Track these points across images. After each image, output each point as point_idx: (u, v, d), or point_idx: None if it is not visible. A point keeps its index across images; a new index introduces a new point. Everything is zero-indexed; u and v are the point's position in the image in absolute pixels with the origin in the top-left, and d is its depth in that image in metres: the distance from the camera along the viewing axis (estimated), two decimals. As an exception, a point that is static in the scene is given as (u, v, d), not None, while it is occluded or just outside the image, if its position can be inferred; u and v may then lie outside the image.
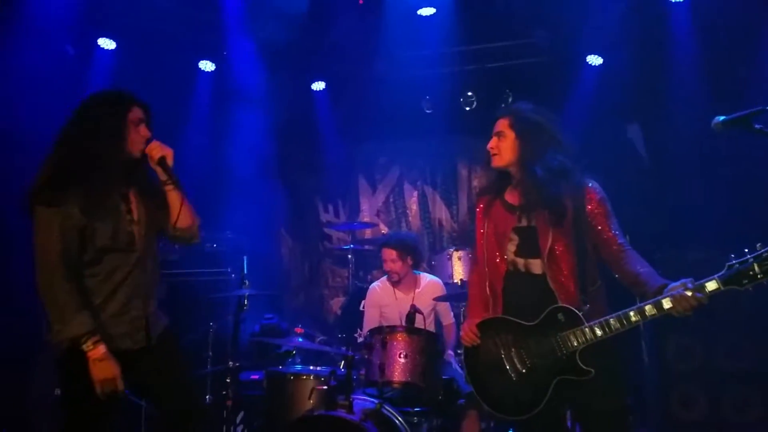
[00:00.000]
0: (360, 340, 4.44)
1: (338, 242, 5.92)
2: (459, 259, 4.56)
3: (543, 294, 2.16)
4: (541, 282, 2.18)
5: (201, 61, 5.21)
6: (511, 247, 2.24)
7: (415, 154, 5.91)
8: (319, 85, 5.55)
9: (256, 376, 3.95)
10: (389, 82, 5.25)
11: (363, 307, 4.45)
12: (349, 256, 5.10)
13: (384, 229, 5.77)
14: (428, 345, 3.09)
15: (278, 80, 5.20)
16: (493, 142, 2.33)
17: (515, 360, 2.16)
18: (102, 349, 2.06)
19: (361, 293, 4.67)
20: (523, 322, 2.16)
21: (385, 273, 3.88)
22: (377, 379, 3.01)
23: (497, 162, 2.32)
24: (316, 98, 5.62)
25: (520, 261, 2.22)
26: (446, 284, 4.07)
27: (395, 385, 3.03)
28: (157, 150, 2.23)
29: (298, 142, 5.82)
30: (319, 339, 4.52)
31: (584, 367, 2.06)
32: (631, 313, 2.02)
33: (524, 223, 2.24)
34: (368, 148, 5.98)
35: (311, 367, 3.50)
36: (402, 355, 3.03)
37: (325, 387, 3.11)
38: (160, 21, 4.67)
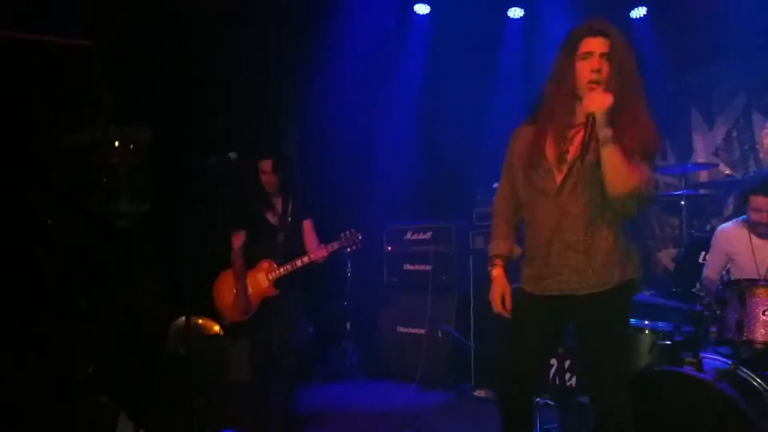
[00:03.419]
0: (702, 294, 3.97)
1: (666, 187, 5.31)
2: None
3: None
4: None
5: (510, 9, 5.18)
6: None
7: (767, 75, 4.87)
8: (639, 12, 5.00)
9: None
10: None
11: (703, 260, 3.94)
12: (681, 203, 4.54)
13: (726, 170, 4.95)
14: (803, 303, 2.56)
15: (592, 12, 4.84)
16: None
17: None
18: None
19: (700, 244, 4.14)
20: None
21: (727, 217, 3.30)
22: (734, 338, 2.64)
23: None
24: (637, 26, 5.08)
25: None
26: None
27: (757, 345, 2.61)
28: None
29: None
30: (648, 293, 4.18)
31: None
32: None
33: None
34: (702, 75, 5.15)
35: (646, 321, 3.26)
36: (766, 313, 2.58)
37: (669, 342, 2.86)
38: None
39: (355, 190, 5.26)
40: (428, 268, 4.90)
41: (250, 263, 3.62)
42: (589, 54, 2.10)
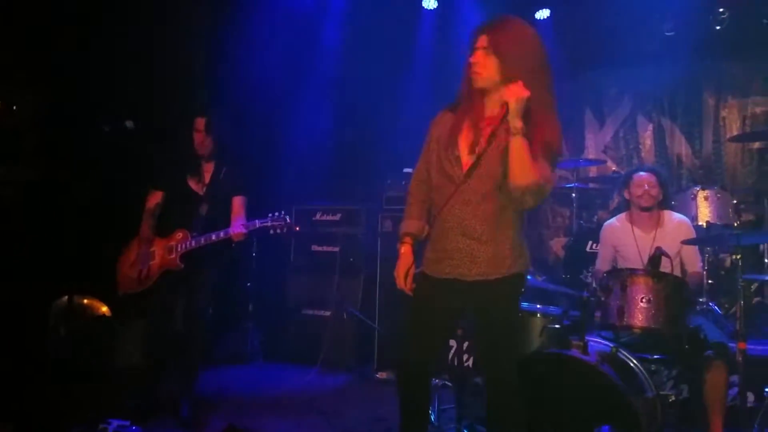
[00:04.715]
0: (589, 281, 4.28)
1: (560, 180, 5.67)
2: (705, 199, 4.06)
3: None
4: None
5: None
6: None
7: (652, 82, 5.32)
8: (543, 13, 5.24)
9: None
10: (623, 2, 4.75)
11: (591, 248, 4.26)
12: (573, 195, 4.87)
13: (612, 167, 5.37)
14: (674, 291, 2.84)
15: (500, 11, 5.02)
16: None
17: None
18: None
19: (588, 234, 4.47)
20: None
21: (612, 210, 3.59)
22: (615, 322, 2.88)
23: None
24: (540, 27, 5.32)
25: None
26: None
27: (635, 330, 2.86)
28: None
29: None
30: (540, 279, 4.46)
31: None
32: None
33: None
34: (596, 78, 5.55)
35: (538, 306, 3.48)
36: (644, 300, 2.83)
37: (557, 326, 3.08)
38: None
39: (264, 169, 5.14)
40: (336, 249, 4.91)
41: (165, 231, 3.37)
42: (474, 49, 2.21)
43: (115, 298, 3.53)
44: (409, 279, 2.36)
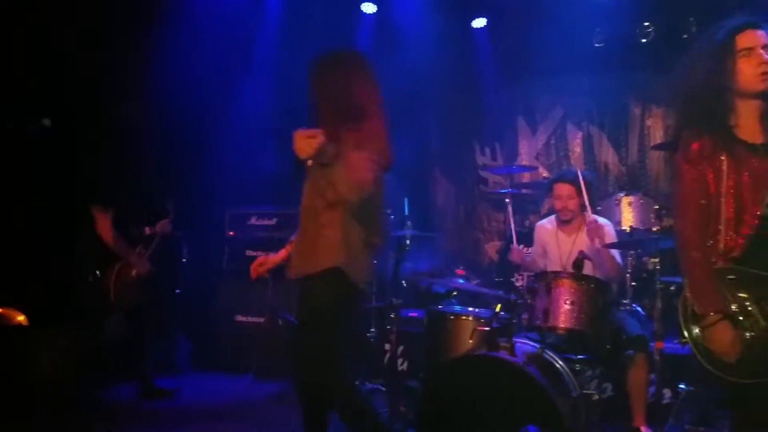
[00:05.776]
0: (519, 284, 4.38)
1: (495, 186, 5.80)
2: (629, 204, 4.23)
3: None
4: None
5: (363, 3, 5.26)
6: (762, 201, 1.88)
7: (581, 92, 5.52)
8: (480, 22, 5.35)
9: (415, 314, 4.09)
10: (555, 14, 4.90)
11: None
12: (506, 200, 4.97)
13: (544, 173, 5.53)
14: (597, 293, 2.95)
15: (438, 19, 5.10)
16: (764, 57, 1.90)
17: (758, 316, 1.87)
18: None
19: (519, 238, 4.56)
20: (763, 272, 1.87)
21: (543, 214, 3.71)
22: (541, 324, 2.95)
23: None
24: (477, 36, 5.44)
25: None
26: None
27: (560, 331, 2.95)
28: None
29: (455, 81, 5.71)
30: (475, 282, 4.53)
31: None
32: None
33: None
34: (529, 86, 5.70)
35: (470, 309, 3.53)
36: (567, 302, 2.92)
37: (487, 328, 3.12)
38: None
39: (197, 173, 5.00)
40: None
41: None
42: None
43: (31, 306, 3.36)
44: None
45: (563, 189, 3.46)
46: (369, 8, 5.31)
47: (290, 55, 5.33)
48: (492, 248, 5.78)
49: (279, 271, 4.76)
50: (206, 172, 5.11)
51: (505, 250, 4.74)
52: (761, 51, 1.90)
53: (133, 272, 3.76)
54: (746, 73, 1.91)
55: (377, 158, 2.22)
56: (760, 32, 1.92)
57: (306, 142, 2.04)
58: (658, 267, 3.23)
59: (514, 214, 5.08)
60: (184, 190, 4.66)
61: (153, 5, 4.58)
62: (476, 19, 5.35)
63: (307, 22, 5.19)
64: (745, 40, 1.91)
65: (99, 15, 4.34)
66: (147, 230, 3.67)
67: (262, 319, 4.73)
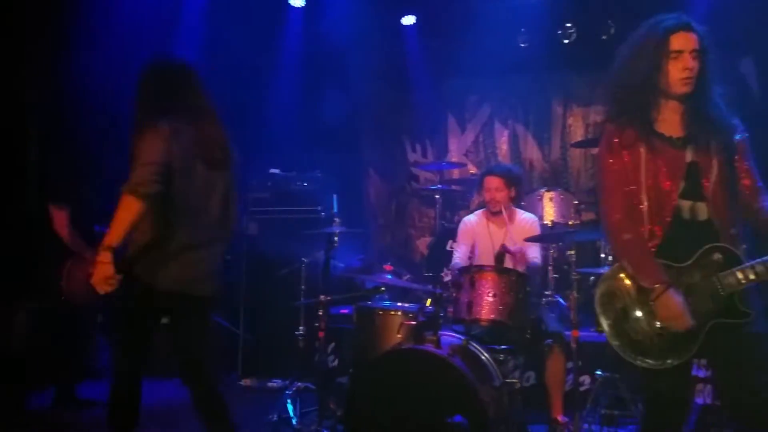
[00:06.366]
0: (447, 278, 4.46)
1: (425, 182, 5.88)
2: (550, 200, 4.41)
3: (706, 242, 1.96)
4: (706, 230, 1.98)
5: (291, -2, 5.20)
6: (677, 190, 1.99)
7: (508, 91, 5.68)
8: (409, 20, 5.40)
9: (346, 311, 4.09)
10: (483, 14, 5.02)
11: (450, 247, 4.44)
12: (437, 197, 5.06)
13: (472, 170, 5.65)
14: (517, 285, 3.05)
15: (368, 15, 5.11)
16: (690, 62, 1.97)
17: None
18: None
19: (448, 234, 4.66)
20: (673, 263, 1.97)
21: (473, 210, 3.80)
22: (465, 317, 3.02)
23: (690, 88, 1.99)
24: (406, 33, 5.49)
25: (686, 205, 2.00)
26: (536, 226, 3.95)
27: (483, 323, 3.03)
28: None
29: (386, 79, 5.74)
30: (405, 277, 4.58)
31: (743, 309, 1.91)
32: None
33: (688, 159, 2.01)
34: (458, 85, 5.81)
35: (399, 304, 3.57)
36: (491, 294, 3.00)
37: (414, 322, 3.16)
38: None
39: (121, 171, 4.79)
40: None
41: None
42: None
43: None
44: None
45: (492, 182, 3.57)
46: (297, 1, 5.25)
47: (216, 49, 5.20)
48: (423, 244, 5.85)
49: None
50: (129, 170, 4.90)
51: (434, 246, 4.82)
52: (688, 55, 1.98)
53: (85, 270, 3.55)
54: (672, 74, 2.00)
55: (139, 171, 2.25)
56: (692, 35, 2.00)
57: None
58: (575, 259, 3.38)
59: (445, 210, 5.19)
60: (109, 187, 4.46)
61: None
62: (406, 16, 5.39)
63: (235, 15, 5.08)
64: (677, 42, 1.99)
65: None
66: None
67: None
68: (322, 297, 3.48)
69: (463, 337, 3.09)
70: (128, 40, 4.62)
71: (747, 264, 1.92)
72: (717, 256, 1.95)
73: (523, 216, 3.68)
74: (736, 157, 2.03)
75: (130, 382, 2.40)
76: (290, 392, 3.54)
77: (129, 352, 2.40)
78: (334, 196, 4.02)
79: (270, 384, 4.38)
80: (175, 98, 2.40)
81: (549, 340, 3.24)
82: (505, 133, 5.73)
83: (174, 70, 2.47)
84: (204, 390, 2.42)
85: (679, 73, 1.98)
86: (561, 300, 4.03)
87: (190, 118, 2.39)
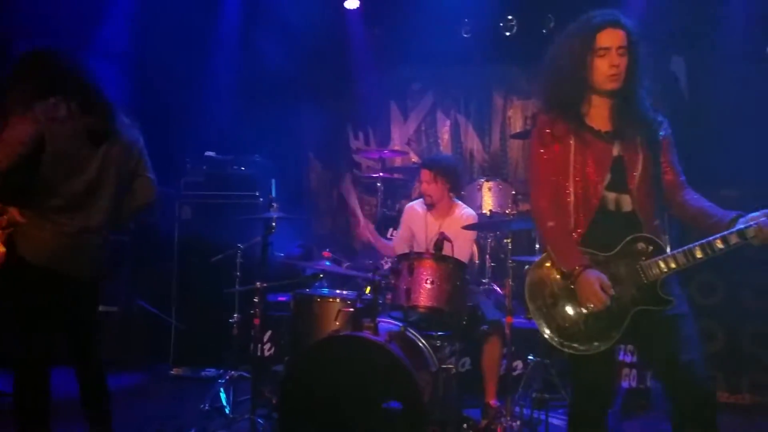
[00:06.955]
0: (387, 266, 4.46)
1: (367, 170, 5.85)
2: (489, 189, 4.47)
3: (630, 232, 2.03)
4: (631, 221, 2.05)
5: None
6: (603, 181, 2.06)
7: (450, 81, 5.71)
8: (352, 3, 5.32)
9: (284, 298, 4.02)
10: (427, 2, 5.01)
11: (390, 235, 4.44)
12: (378, 185, 5.04)
13: (414, 158, 5.66)
14: (455, 272, 3.07)
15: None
16: (617, 59, 2.02)
17: None
18: None
19: (389, 222, 4.65)
20: (598, 252, 2.04)
21: (414, 198, 3.80)
22: (403, 303, 3.02)
23: (617, 84, 2.04)
24: (349, 18, 5.41)
25: (611, 197, 2.06)
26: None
27: (420, 310, 3.04)
28: None
29: (329, 65, 5.65)
30: (345, 265, 4.55)
31: (665, 297, 1.99)
32: (717, 242, 1.93)
33: (615, 152, 2.07)
34: (401, 73, 5.79)
35: (337, 291, 3.54)
36: (428, 281, 3.02)
37: (352, 309, 3.14)
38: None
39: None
40: (125, 238, 4.50)
41: None
42: None
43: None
44: None
45: (424, 174, 3.58)
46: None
47: (151, 27, 4.97)
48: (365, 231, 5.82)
49: (138, 260, 4.50)
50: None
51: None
52: (615, 53, 2.03)
53: None
54: (600, 71, 2.05)
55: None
56: (620, 32, 2.04)
57: None
58: (511, 247, 3.44)
59: (386, 198, 5.17)
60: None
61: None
62: (349, 0, 5.31)
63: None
64: (604, 39, 2.04)
65: None
66: None
67: (115, 308, 4.41)
68: (258, 283, 3.39)
69: (401, 324, 3.10)
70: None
71: (669, 253, 2.00)
72: (641, 245, 2.03)
73: (463, 211, 3.69)
74: (660, 153, 2.12)
75: (35, 370, 2.40)
76: (224, 381, 3.45)
77: (27, 339, 2.44)
78: (273, 181, 3.91)
79: (203, 373, 4.27)
80: (51, 84, 2.43)
81: (485, 327, 3.30)
82: (447, 122, 5.77)
83: (50, 57, 2.50)
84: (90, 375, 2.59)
85: (606, 69, 2.04)
86: (497, 288, 4.11)
87: (68, 104, 2.44)
